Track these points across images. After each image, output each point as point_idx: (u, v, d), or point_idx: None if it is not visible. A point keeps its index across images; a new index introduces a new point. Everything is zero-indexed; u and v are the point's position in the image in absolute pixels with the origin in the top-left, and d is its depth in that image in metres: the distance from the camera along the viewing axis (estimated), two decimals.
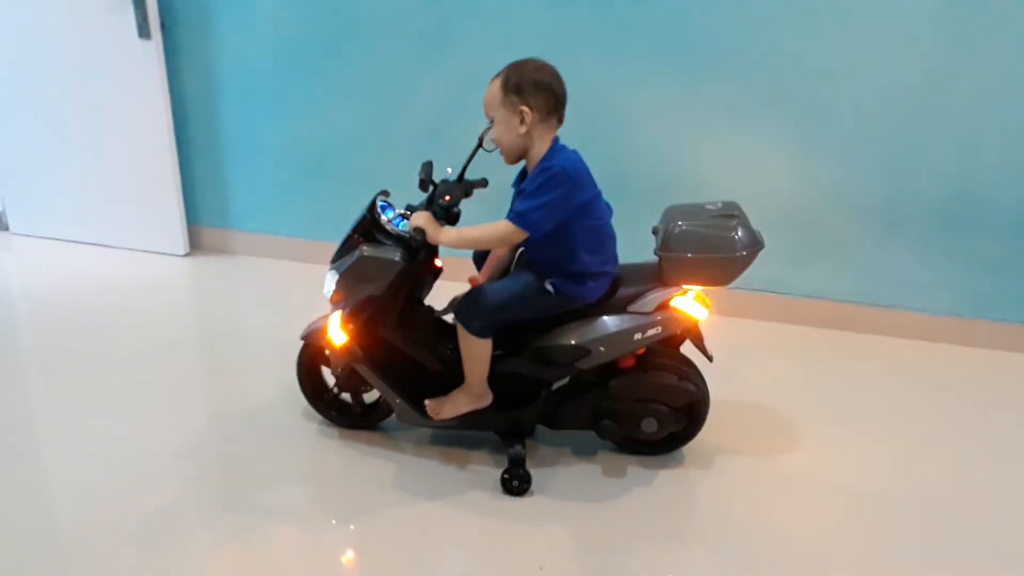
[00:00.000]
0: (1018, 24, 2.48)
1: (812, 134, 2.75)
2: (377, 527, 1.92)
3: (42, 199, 3.51)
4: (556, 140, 1.89)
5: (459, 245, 1.90)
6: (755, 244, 1.92)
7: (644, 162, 2.85)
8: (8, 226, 3.62)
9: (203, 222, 3.46)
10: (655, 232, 2.01)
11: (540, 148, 1.87)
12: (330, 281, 1.98)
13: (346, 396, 2.27)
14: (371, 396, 2.24)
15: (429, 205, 1.97)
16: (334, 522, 1.94)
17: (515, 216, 1.83)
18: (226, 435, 2.26)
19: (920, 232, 2.79)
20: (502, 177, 2.00)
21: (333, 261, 1.99)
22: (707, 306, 1.99)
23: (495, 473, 2.06)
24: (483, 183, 2.03)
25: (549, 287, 1.92)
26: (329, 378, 2.26)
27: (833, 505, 2.05)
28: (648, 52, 2.75)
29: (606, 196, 1.94)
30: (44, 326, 2.88)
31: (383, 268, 1.92)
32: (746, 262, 1.92)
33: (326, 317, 2.10)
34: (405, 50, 2.96)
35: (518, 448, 2.04)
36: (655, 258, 1.97)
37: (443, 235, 1.88)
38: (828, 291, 2.94)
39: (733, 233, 1.90)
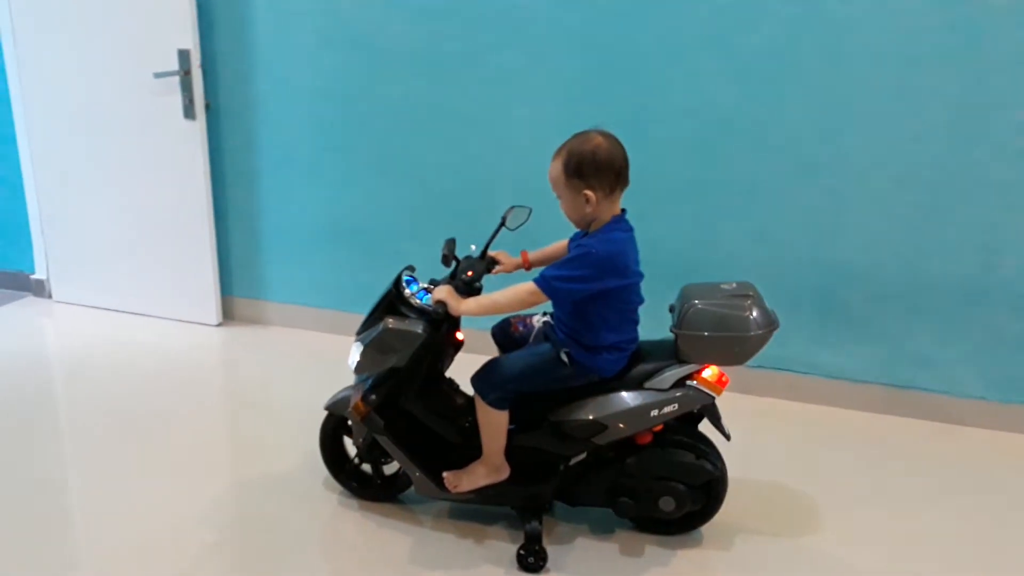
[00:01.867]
0: None
1: (832, 215, 2.80)
2: None
3: (84, 269, 3.66)
4: (619, 215, 1.93)
5: (479, 312, 1.95)
6: (770, 324, 1.94)
7: (665, 240, 2.92)
8: (51, 294, 3.77)
9: (236, 292, 3.58)
10: (672, 310, 2.05)
11: (603, 218, 1.92)
12: (355, 353, 2.03)
13: (366, 467, 2.29)
14: (391, 468, 2.27)
15: (452, 280, 2.05)
16: None
17: (541, 280, 1.87)
18: (247, 503, 2.30)
19: (943, 312, 2.78)
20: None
21: (358, 333, 2.05)
22: (724, 384, 2.00)
23: (511, 549, 2.06)
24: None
25: (564, 357, 1.95)
26: (351, 449, 2.30)
27: None
28: (669, 135, 2.85)
29: None
30: (78, 389, 2.97)
31: (406, 340, 1.97)
32: (761, 341, 1.94)
33: (350, 388, 2.15)
34: (436, 130, 3.10)
35: (535, 524, 2.04)
36: (672, 335, 2.01)
37: (463, 305, 1.94)
38: (849, 371, 2.92)
39: (748, 313, 1.93)
